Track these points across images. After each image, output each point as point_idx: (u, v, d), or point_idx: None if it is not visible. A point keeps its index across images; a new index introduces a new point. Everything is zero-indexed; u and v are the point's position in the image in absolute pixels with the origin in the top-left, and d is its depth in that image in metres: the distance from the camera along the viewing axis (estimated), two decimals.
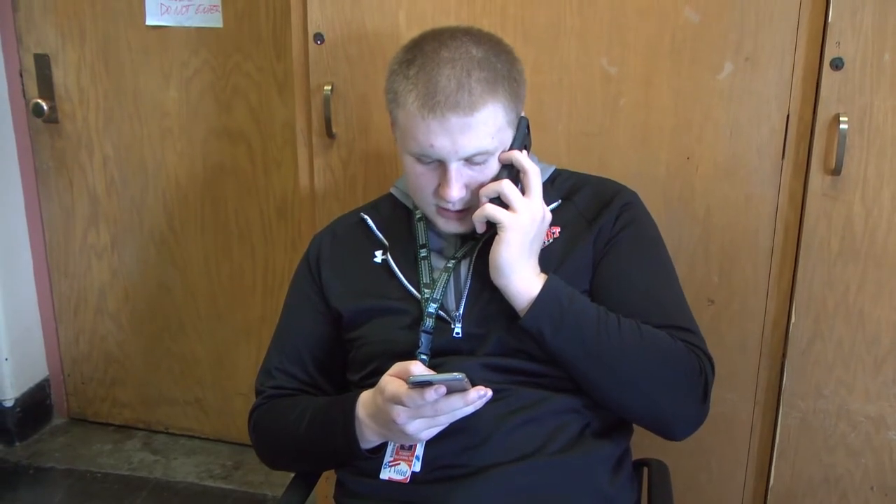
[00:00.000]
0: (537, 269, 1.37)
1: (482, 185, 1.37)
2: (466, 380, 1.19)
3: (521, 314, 1.35)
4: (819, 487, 1.88)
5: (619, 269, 1.44)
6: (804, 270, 1.76)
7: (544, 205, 1.38)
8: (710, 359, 1.42)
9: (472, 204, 1.40)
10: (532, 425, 1.35)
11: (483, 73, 1.33)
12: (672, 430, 1.41)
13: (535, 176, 1.37)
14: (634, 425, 1.48)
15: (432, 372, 1.25)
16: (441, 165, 1.37)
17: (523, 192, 1.36)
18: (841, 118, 1.66)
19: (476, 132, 1.33)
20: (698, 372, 1.38)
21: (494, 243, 1.35)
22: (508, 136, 1.39)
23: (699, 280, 1.81)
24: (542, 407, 1.36)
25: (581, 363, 1.35)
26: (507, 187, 1.34)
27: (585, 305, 1.37)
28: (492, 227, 1.36)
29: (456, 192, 1.36)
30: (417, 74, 1.34)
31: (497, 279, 1.36)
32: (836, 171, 1.69)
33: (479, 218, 1.36)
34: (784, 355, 1.82)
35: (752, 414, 1.88)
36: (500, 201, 1.35)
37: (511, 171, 1.38)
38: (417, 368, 1.26)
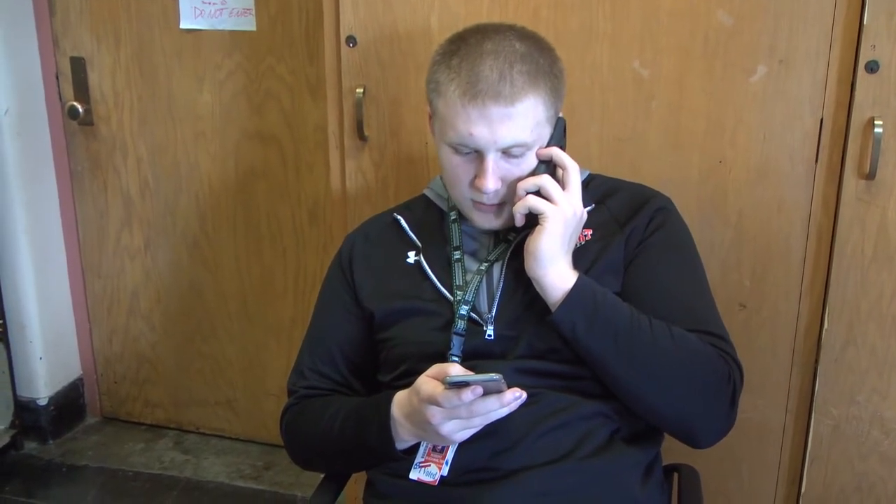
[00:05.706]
0: (571, 264, 1.37)
1: (517, 180, 1.37)
2: (503, 381, 1.19)
3: (553, 308, 1.34)
4: (852, 496, 1.86)
5: (650, 273, 1.43)
6: (837, 276, 1.75)
7: (581, 203, 1.38)
8: (739, 366, 1.40)
9: (507, 199, 1.40)
10: (562, 430, 1.35)
11: (525, 66, 1.34)
12: (697, 436, 1.40)
13: (574, 172, 1.38)
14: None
15: (470, 373, 1.24)
16: (478, 156, 1.37)
17: (562, 187, 1.37)
18: (876, 122, 1.64)
19: (515, 123, 1.33)
20: (727, 377, 1.37)
21: (535, 233, 1.35)
22: (546, 132, 1.39)
23: (731, 284, 1.79)
24: (572, 412, 1.36)
25: (611, 361, 1.34)
26: (547, 181, 1.35)
27: (617, 303, 1.36)
28: (530, 222, 1.36)
29: (492, 184, 1.36)
30: (460, 64, 1.35)
31: (534, 270, 1.35)
32: (871, 176, 1.67)
33: (520, 209, 1.36)
34: (816, 361, 1.81)
35: (783, 420, 1.86)
36: (539, 195, 1.35)
37: (548, 168, 1.38)
38: (455, 370, 1.26)
